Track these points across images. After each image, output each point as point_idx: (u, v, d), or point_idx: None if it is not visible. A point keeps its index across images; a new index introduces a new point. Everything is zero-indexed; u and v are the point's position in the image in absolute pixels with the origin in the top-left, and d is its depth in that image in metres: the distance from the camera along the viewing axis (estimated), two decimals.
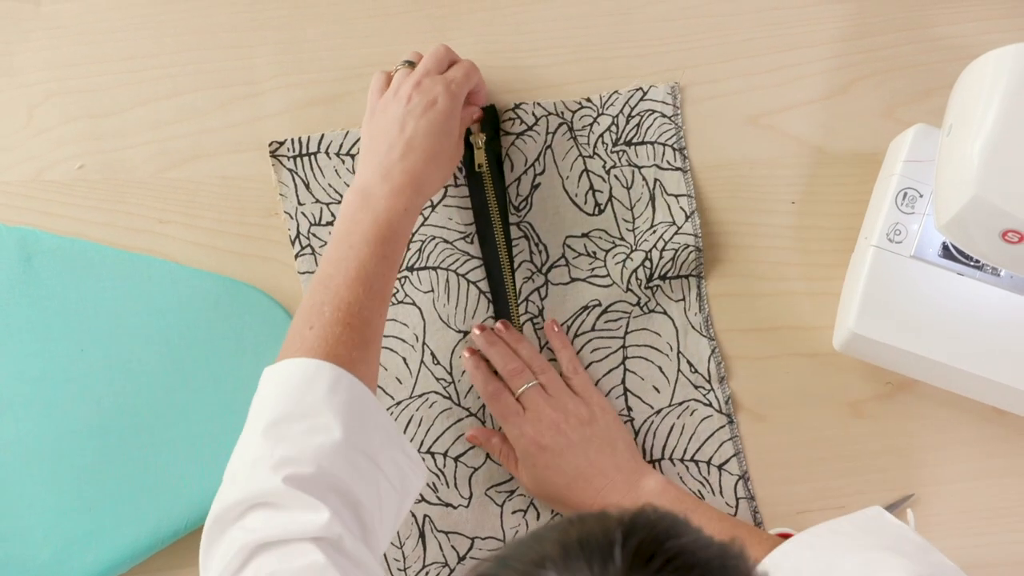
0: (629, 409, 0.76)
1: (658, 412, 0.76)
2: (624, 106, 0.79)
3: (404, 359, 0.76)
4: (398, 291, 0.77)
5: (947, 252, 0.72)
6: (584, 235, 0.78)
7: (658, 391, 0.76)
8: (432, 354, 0.76)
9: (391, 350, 0.76)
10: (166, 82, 0.79)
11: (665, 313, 0.77)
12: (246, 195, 0.78)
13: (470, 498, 0.75)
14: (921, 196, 0.72)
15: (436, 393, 0.76)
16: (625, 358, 0.77)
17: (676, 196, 0.78)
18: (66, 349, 0.75)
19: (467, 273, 0.77)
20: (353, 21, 0.80)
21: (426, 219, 0.77)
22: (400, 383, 0.76)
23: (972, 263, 0.72)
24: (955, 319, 0.71)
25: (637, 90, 0.79)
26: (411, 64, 0.72)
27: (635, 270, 0.76)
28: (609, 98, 0.79)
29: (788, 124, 0.79)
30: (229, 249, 0.77)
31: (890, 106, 0.79)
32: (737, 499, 0.75)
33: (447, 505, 0.75)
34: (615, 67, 0.80)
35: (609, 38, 0.80)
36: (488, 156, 0.77)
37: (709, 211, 0.78)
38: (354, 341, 0.61)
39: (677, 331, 0.77)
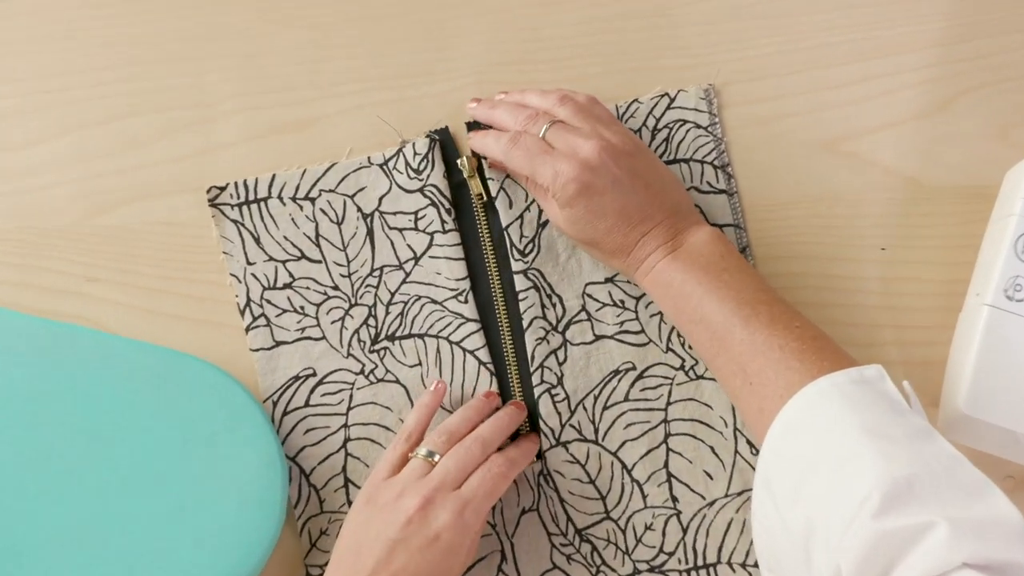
0: (674, 500, 0.68)
1: (711, 504, 0.69)
2: (647, 117, 0.72)
3: None
4: (376, 367, 0.69)
5: None
6: (608, 280, 0.70)
7: (711, 478, 0.69)
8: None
9: (371, 441, 0.69)
10: (96, 105, 0.72)
11: (716, 380, 0.68)
12: (196, 246, 0.71)
13: None
14: None
15: None
16: (668, 436, 0.69)
17: (722, 227, 0.71)
18: None
19: (462, 340, 0.69)
20: (330, 27, 0.72)
21: (408, 275, 0.69)
22: None
23: None
24: None
25: (662, 96, 0.72)
26: (431, 456, 0.64)
27: None
28: (628, 108, 0.72)
29: (875, 150, 0.72)
30: (175, 314, 0.70)
31: (1004, 127, 0.71)
32: None
33: None
34: (651, 80, 0.72)
35: (643, 45, 0.72)
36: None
37: (774, 260, 0.70)
38: None
39: None
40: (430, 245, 0.70)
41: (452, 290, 0.69)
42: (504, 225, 0.70)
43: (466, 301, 0.69)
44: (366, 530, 0.62)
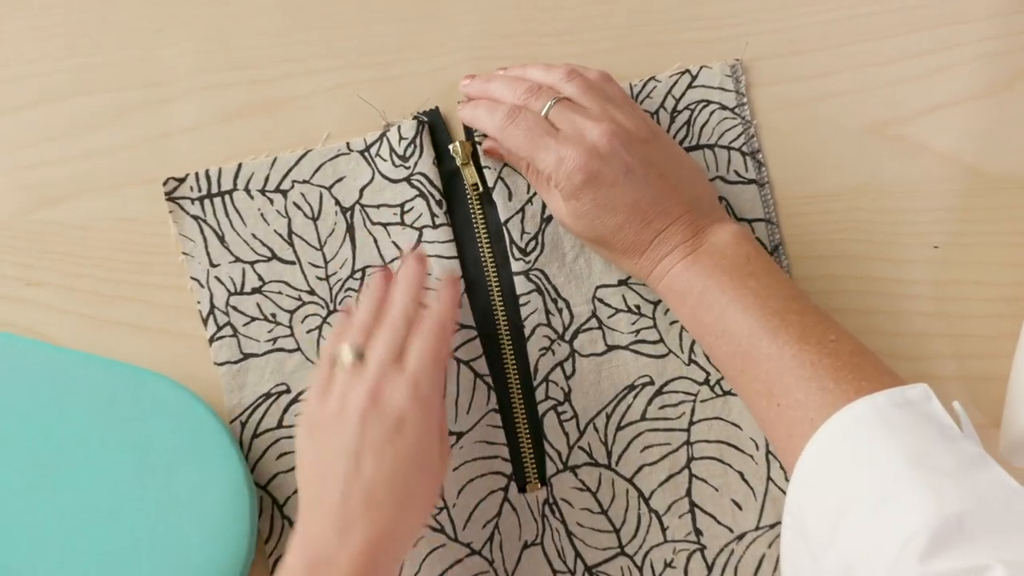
0: (698, 533, 0.65)
1: (740, 538, 0.66)
2: (666, 97, 0.69)
3: None
4: None
5: None
6: (622, 283, 0.68)
7: (740, 508, 0.66)
8: None
9: None
10: (34, 83, 0.69)
11: (741, 400, 0.68)
12: (152, 244, 0.68)
13: None
14: None
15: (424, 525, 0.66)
16: (691, 459, 0.66)
17: (751, 222, 0.67)
18: None
19: (456, 350, 0.67)
20: None
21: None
22: None
23: None
24: None
25: (682, 74, 0.69)
26: (357, 356, 0.61)
27: None
28: (644, 88, 0.69)
29: (928, 134, 0.69)
30: (128, 322, 0.67)
31: None
32: None
33: None
34: (670, 56, 0.69)
35: (660, 15, 0.70)
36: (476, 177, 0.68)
37: (810, 260, 0.67)
38: None
39: None
40: (419, 241, 0.67)
41: None
42: (503, 220, 0.67)
43: (459, 305, 0.66)
44: (323, 455, 0.60)
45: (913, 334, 0.67)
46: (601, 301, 0.68)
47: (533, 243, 0.67)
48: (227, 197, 0.67)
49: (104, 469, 0.64)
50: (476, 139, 0.66)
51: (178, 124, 0.69)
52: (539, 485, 0.65)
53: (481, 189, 0.66)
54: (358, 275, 0.65)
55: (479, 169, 0.66)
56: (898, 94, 0.69)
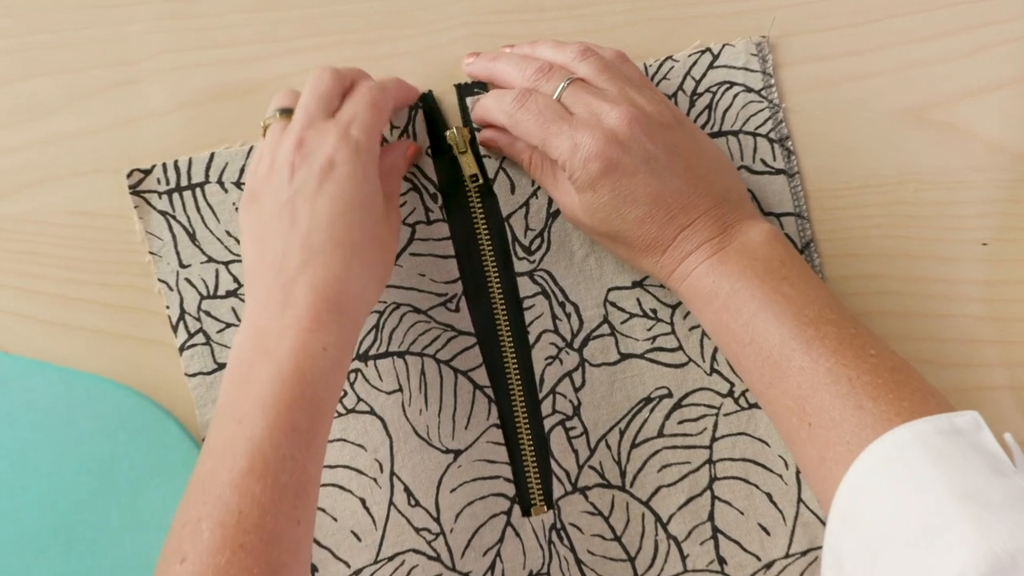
0: (722, 562, 0.63)
1: (768, 567, 0.63)
2: (684, 78, 0.66)
3: (363, 501, 0.63)
4: (346, 394, 0.64)
5: None
6: (637, 284, 0.65)
7: (768, 533, 0.63)
8: (407, 490, 0.63)
9: (341, 488, 0.64)
10: None
11: (768, 416, 0.63)
12: (116, 241, 0.65)
13: None
14: None
15: (417, 552, 0.62)
16: (713, 480, 0.64)
17: (780, 216, 0.65)
18: None
19: (454, 358, 0.64)
20: None
21: None
22: (359, 540, 0.63)
23: None
24: None
25: (703, 52, 0.66)
26: (287, 113, 0.61)
27: None
28: (659, 68, 0.66)
29: (973, 119, 0.65)
30: (89, 327, 0.64)
31: None
32: None
33: None
34: (689, 32, 0.66)
35: None
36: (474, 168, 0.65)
37: (845, 258, 0.64)
38: (252, 574, 0.51)
39: None
40: (411, 239, 0.65)
41: (440, 295, 0.64)
42: (505, 215, 0.64)
43: (457, 309, 0.64)
44: (261, 219, 0.59)
45: (960, 340, 0.65)
46: (614, 305, 0.65)
47: (538, 241, 0.65)
48: (198, 190, 0.65)
49: (62, 490, 0.62)
50: (475, 125, 0.63)
51: (144, 108, 0.66)
52: (545, 508, 0.61)
53: (481, 181, 0.63)
54: None
55: (478, 158, 0.63)
56: (941, 74, 0.66)
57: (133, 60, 0.66)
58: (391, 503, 0.63)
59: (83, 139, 0.65)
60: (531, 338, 0.64)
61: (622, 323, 0.64)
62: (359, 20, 0.65)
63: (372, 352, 0.63)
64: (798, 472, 0.62)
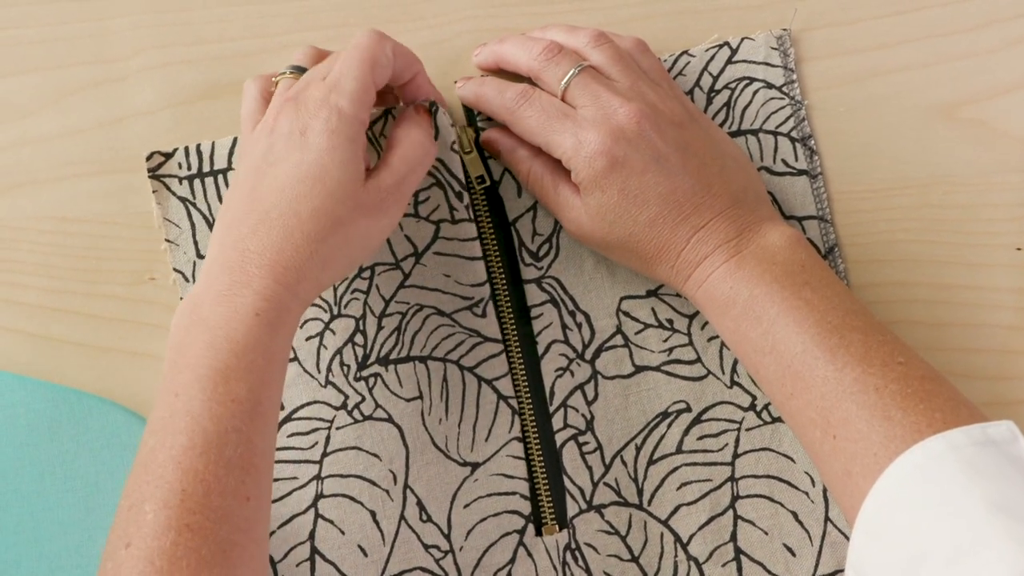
0: None
1: None
2: (702, 74, 0.65)
3: (373, 514, 0.62)
4: (364, 400, 0.62)
5: None
6: (651, 293, 0.64)
7: (793, 554, 0.63)
8: (420, 504, 0.62)
9: (352, 499, 0.63)
10: None
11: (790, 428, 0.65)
12: (101, 248, 0.64)
13: None
14: None
15: (424, 571, 0.61)
16: (736, 498, 0.63)
17: (802, 219, 0.64)
18: None
19: (478, 365, 0.63)
20: None
21: (407, 276, 0.64)
22: (365, 555, 0.62)
23: None
24: None
25: (721, 47, 0.66)
26: (299, 70, 0.61)
27: None
28: (675, 63, 0.66)
29: (1007, 117, 0.65)
30: (73, 340, 0.64)
31: None
32: None
33: None
34: (707, 25, 0.66)
35: None
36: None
37: (870, 264, 0.64)
38: (200, 555, 0.51)
39: None
40: (435, 237, 0.64)
41: (465, 299, 0.63)
42: (511, 219, 0.63)
43: (484, 314, 0.63)
44: (236, 177, 0.59)
45: (992, 350, 0.64)
46: (627, 314, 0.65)
47: (546, 246, 0.64)
48: (220, 177, 0.65)
49: (44, 511, 0.61)
50: (480, 125, 0.62)
51: (131, 107, 0.66)
52: (556, 528, 0.60)
53: (487, 183, 0.62)
54: (365, 275, 0.63)
55: (483, 159, 0.62)
56: (972, 69, 0.66)
57: (117, 57, 0.66)
58: (402, 517, 0.63)
59: (65, 140, 0.65)
60: (540, 349, 0.63)
61: (636, 334, 0.64)
62: (357, 13, 0.66)
63: (393, 356, 0.63)
64: (825, 490, 0.61)
